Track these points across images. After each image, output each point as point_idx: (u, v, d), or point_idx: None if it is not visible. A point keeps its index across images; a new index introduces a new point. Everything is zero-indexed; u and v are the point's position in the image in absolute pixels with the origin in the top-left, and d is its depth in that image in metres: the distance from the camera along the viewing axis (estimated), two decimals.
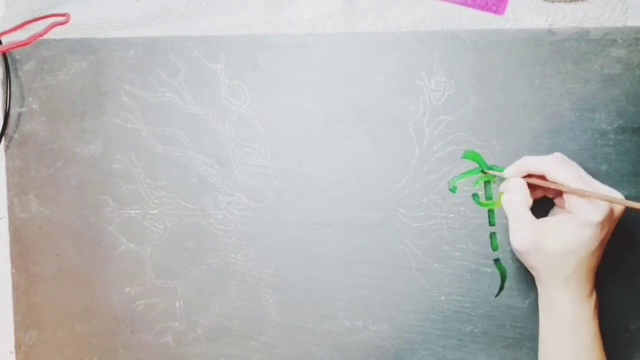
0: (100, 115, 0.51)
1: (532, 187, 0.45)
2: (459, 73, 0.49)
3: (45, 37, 0.50)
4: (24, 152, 0.52)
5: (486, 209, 0.49)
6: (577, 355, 0.43)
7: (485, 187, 0.49)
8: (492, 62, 0.49)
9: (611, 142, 0.48)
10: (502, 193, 0.47)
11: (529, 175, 0.45)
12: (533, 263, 0.44)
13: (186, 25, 0.52)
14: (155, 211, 0.51)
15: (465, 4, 0.50)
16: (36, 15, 0.51)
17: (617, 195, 0.42)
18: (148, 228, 0.51)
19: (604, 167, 0.48)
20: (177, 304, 0.51)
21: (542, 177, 0.44)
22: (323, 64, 0.50)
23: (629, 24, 0.49)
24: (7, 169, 0.52)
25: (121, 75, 0.51)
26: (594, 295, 0.44)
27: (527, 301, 0.49)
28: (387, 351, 0.50)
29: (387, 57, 0.50)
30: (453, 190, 0.49)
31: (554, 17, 0.49)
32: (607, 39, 0.48)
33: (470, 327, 0.50)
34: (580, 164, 0.44)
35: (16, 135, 0.52)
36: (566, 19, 0.49)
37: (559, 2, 0.49)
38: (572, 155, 0.45)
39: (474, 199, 0.49)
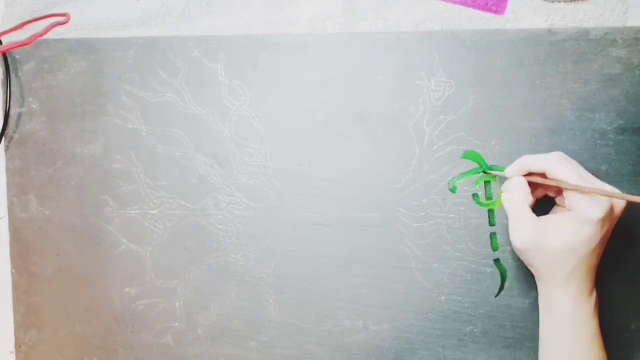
0: (100, 115, 0.51)
1: (533, 186, 0.45)
2: (459, 73, 0.49)
3: (45, 37, 0.50)
4: (24, 152, 0.52)
5: (486, 208, 0.49)
6: (578, 354, 0.43)
7: (485, 187, 0.49)
8: (492, 62, 0.49)
9: (611, 142, 0.48)
10: (502, 192, 0.47)
11: (530, 174, 0.45)
12: (533, 261, 0.44)
13: (186, 25, 0.52)
14: (155, 211, 0.51)
15: (465, 4, 0.50)
16: (36, 15, 0.51)
17: (617, 192, 0.42)
18: (148, 228, 0.51)
19: (603, 167, 0.48)
20: (177, 304, 0.51)
21: (543, 175, 0.44)
22: (323, 64, 0.50)
23: (629, 24, 0.49)
24: (7, 169, 0.52)
25: (121, 75, 0.51)
26: (594, 294, 0.44)
27: (527, 301, 0.49)
28: (387, 351, 0.50)
29: (387, 57, 0.50)
30: (453, 190, 0.49)
31: (554, 17, 0.49)
32: (607, 39, 0.48)
33: (470, 327, 0.50)
34: (580, 164, 0.44)
35: (16, 135, 0.52)
36: (566, 18, 0.49)
37: (559, 2, 0.49)
38: (572, 155, 0.45)
39: (474, 199, 0.49)
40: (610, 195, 0.41)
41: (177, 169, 0.51)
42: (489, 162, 0.49)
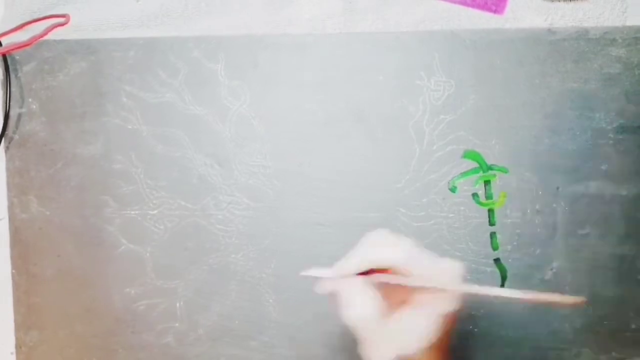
0: (100, 116, 0.51)
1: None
2: (459, 73, 0.49)
3: (45, 38, 0.50)
4: (24, 152, 0.52)
5: (486, 208, 0.49)
6: None
7: (485, 187, 0.49)
8: (492, 61, 0.49)
9: (611, 142, 0.48)
10: (502, 192, 0.47)
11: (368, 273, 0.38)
12: None
13: (186, 26, 0.52)
14: (156, 211, 0.51)
15: (464, 3, 0.50)
16: (36, 16, 0.51)
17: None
18: (148, 228, 0.51)
19: (603, 167, 0.48)
20: (178, 304, 0.51)
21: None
22: (323, 64, 0.50)
23: (629, 23, 0.49)
24: (8, 170, 0.52)
25: (121, 76, 0.51)
26: None
27: None
28: None
29: (387, 57, 0.50)
30: (453, 189, 0.49)
31: (554, 16, 0.49)
32: (607, 38, 0.48)
33: (471, 327, 0.50)
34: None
35: (16, 136, 0.52)
36: (565, 18, 0.49)
37: (559, 1, 0.49)
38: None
39: (474, 198, 0.49)
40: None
41: (178, 170, 0.51)
42: (489, 162, 0.49)
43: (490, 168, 0.49)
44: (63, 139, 0.52)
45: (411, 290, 0.37)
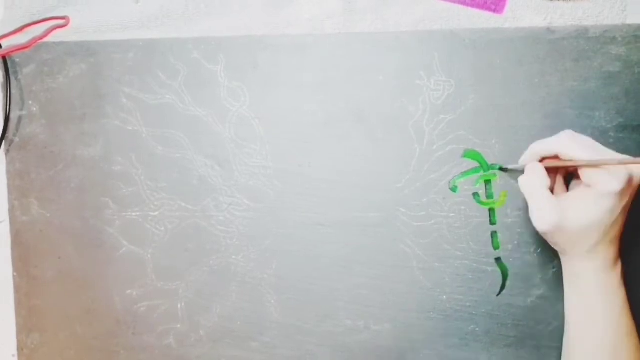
0: (100, 118, 0.51)
1: (551, 170, 0.45)
2: (459, 72, 0.49)
3: (44, 40, 0.50)
4: (25, 155, 0.52)
5: (487, 207, 0.49)
6: (607, 324, 0.43)
7: (485, 186, 0.49)
8: (492, 61, 0.49)
9: (611, 140, 0.48)
10: (503, 192, 0.47)
11: (544, 159, 0.45)
12: (557, 240, 0.44)
13: (185, 27, 0.52)
14: (156, 213, 0.51)
15: (464, 3, 0.50)
16: (35, 19, 0.51)
17: (632, 159, 0.42)
18: (149, 230, 0.51)
19: None
20: (179, 305, 0.51)
21: (557, 158, 0.44)
22: (323, 64, 0.50)
23: (628, 21, 0.49)
24: (8, 172, 0.52)
25: (121, 78, 0.51)
26: (619, 263, 0.44)
27: (529, 300, 0.49)
28: (389, 351, 0.50)
29: (386, 57, 0.50)
30: (453, 189, 0.49)
31: (553, 15, 0.49)
32: (607, 37, 0.48)
33: (472, 326, 0.49)
34: None
35: (16, 139, 0.52)
36: (565, 17, 0.49)
37: (558, 0, 0.49)
38: None
39: (474, 198, 0.49)
40: (625, 163, 0.40)
41: (178, 171, 0.51)
42: (489, 161, 0.49)
43: (490, 167, 0.49)
44: (63, 141, 0.52)
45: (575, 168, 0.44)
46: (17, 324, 0.52)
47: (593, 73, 0.48)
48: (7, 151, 0.52)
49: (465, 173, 0.49)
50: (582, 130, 0.48)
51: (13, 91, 0.52)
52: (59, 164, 0.52)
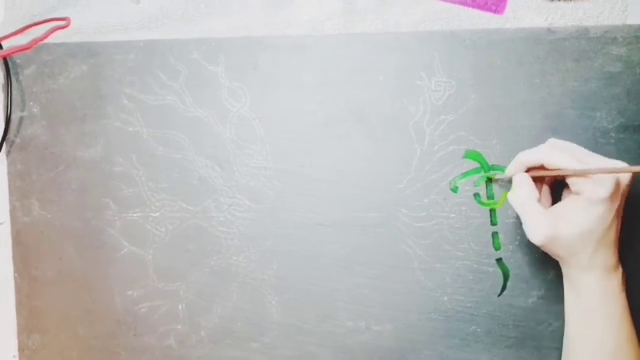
0: (100, 119, 0.51)
1: (537, 179, 0.45)
2: (459, 72, 0.49)
3: (45, 41, 0.50)
4: (26, 156, 0.52)
5: (488, 208, 0.49)
6: (607, 331, 0.43)
7: (486, 187, 0.49)
8: (492, 61, 0.49)
9: (612, 141, 0.48)
10: (504, 192, 0.47)
11: (530, 169, 0.45)
12: (555, 251, 0.44)
13: (186, 28, 0.52)
14: (157, 214, 0.51)
15: (464, 3, 0.50)
16: (36, 20, 0.52)
17: (619, 165, 0.42)
18: (149, 231, 0.51)
19: None
20: (180, 306, 0.51)
21: (543, 167, 0.44)
22: (323, 64, 0.50)
23: (629, 21, 0.49)
24: (9, 173, 0.52)
25: (121, 79, 0.51)
26: (620, 268, 0.44)
27: (530, 300, 0.49)
28: (389, 351, 0.50)
29: (386, 58, 0.50)
30: (454, 190, 0.49)
31: (554, 15, 0.49)
32: (607, 37, 0.48)
33: (473, 327, 0.49)
34: None
35: (17, 140, 0.52)
36: (566, 17, 0.49)
37: (558, 0, 0.49)
38: None
39: (475, 198, 0.49)
40: (611, 172, 0.40)
41: (178, 172, 0.51)
42: (490, 162, 0.49)
43: (491, 168, 0.49)
44: (64, 142, 0.52)
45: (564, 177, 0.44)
46: (18, 324, 0.52)
47: (594, 73, 0.48)
48: (8, 152, 0.52)
49: (466, 173, 0.49)
50: (584, 130, 0.48)
51: (14, 92, 0.52)
52: (59, 165, 0.52)
